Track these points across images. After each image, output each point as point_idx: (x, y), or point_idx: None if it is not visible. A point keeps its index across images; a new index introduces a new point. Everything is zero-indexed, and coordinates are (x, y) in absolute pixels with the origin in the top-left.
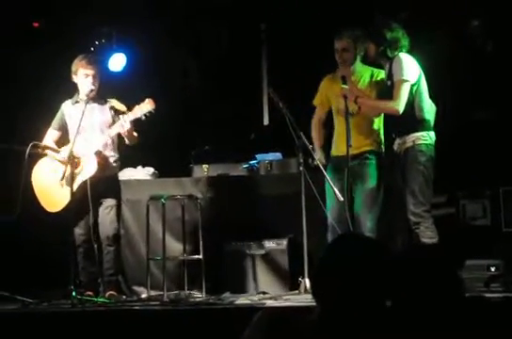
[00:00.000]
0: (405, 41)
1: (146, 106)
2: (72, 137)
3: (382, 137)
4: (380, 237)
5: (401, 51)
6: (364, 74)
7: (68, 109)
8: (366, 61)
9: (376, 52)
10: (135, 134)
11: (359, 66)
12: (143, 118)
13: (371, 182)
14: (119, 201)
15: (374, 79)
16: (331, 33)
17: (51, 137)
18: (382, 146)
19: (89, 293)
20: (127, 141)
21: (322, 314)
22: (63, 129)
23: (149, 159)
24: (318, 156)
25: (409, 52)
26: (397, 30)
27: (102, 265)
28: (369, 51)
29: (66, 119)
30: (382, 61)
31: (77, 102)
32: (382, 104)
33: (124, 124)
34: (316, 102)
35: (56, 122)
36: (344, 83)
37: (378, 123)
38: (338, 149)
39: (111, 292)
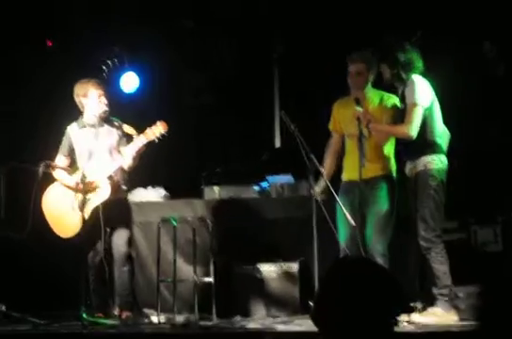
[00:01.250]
0: (418, 63)
1: (158, 129)
2: (80, 161)
3: (393, 161)
4: (392, 262)
5: (415, 73)
6: (374, 99)
7: (75, 134)
8: (376, 85)
9: (390, 74)
10: (135, 162)
11: (369, 90)
12: (156, 141)
13: (383, 206)
14: (130, 222)
15: (384, 103)
16: (344, 55)
17: (60, 162)
18: (394, 170)
19: (100, 315)
20: (125, 165)
21: None
22: (71, 154)
23: (160, 180)
24: (319, 189)
25: (423, 74)
26: (411, 52)
27: (113, 287)
28: (383, 73)
29: (73, 144)
30: (396, 83)
31: (84, 126)
32: (394, 129)
33: (140, 146)
34: (330, 126)
35: (64, 149)
36: (358, 105)
37: (390, 148)
38: (349, 173)
39: (128, 313)
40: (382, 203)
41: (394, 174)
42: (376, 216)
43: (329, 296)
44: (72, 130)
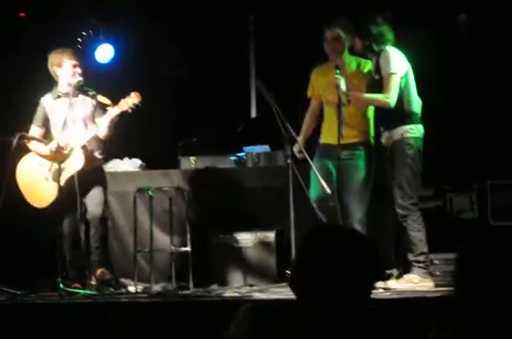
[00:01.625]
0: (389, 36)
1: (132, 100)
2: (55, 131)
3: (372, 128)
4: (369, 229)
5: (386, 45)
6: (351, 64)
7: (49, 104)
8: (353, 52)
9: (361, 46)
10: (110, 131)
11: (346, 56)
12: (129, 111)
13: (360, 172)
14: (105, 190)
15: (360, 69)
16: (319, 23)
17: (35, 133)
18: (372, 137)
19: (77, 285)
20: (101, 135)
21: (304, 307)
22: (46, 125)
23: (136, 151)
24: (296, 149)
25: (395, 45)
26: (382, 24)
27: (89, 256)
28: (355, 45)
29: (48, 114)
30: (369, 55)
31: (59, 96)
32: (374, 98)
33: (113, 117)
34: (309, 93)
35: (38, 119)
36: (338, 73)
37: (368, 114)
38: (326, 138)
39: (102, 269)
40: (360, 170)
41: (373, 140)
42: (353, 182)
43: (307, 262)
44: (47, 100)
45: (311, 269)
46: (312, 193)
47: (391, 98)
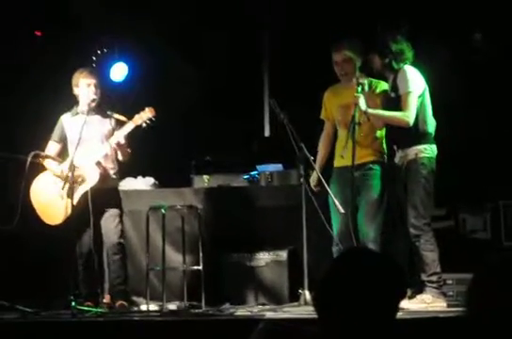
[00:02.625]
0: (409, 54)
1: (146, 114)
2: (71, 149)
3: (385, 146)
4: (382, 248)
5: (405, 63)
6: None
7: (67, 122)
8: (365, 72)
9: (380, 64)
10: (128, 150)
11: (358, 76)
12: (144, 125)
13: (374, 192)
14: (120, 211)
15: (372, 89)
16: (331, 45)
17: (52, 149)
18: (385, 156)
19: (89, 303)
20: (119, 156)
21: (326, 327)
22: (64, 141)
23: (149, 169)
24: (313, 182)
25: (414, 64)
26: (402, 42)
27: (103, 275)
28: (374, 63)
29: (66, 131)
30: (386, 73)
31: (77, 114)
32: (393, 116)
33: (125, 133)
34: (322, 115)
35: (56, 135)
36: (359, 91)
37: (381, 133)
38: (340, 160)
39: (121, 302)
40: (373, 190)
41: (386, 159)
42: (367, 203)
43: (336, 283)
44: (65, 118)
45: (339, 289)
46: (332, 216)
47: (410, 116)
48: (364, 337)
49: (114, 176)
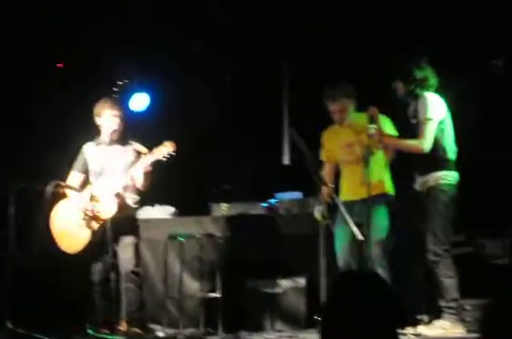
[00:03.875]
0: (433, 80)
1: (166, 148)
2: (92, 178)
3: (389, 177)
4: (400, 276)
5: (428, 90)
6: (360, 121)
7: (90, 152)
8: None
9: (404, 91)
10: (148, 180)
11: (354, 116)
12: (164, 160)
13: (382, 221)
14: (137, 239)
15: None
16: (352, 71)
17: (74, 179)
18: (391, 188)
19: (105, 331)
20: (138, 185)
21: None
22: (86, 171)
23: (169, 198)
24: (318, 215)
25: (437, 91)
26: (426, 69)
27: (119, 302)
28: (397, 89)
29: (88, 161)
30: (409, 99)
31: (99, 144)
32: (409, 144)
33: (147, 166)
34: (323, 158)
35: (78, 165)
36: (372, 123)
37: (384, 165)
38: (347, 195)
39: (135, 329)
40: (381, 219)
41: (392, 192)
42: (376, 230)
43: (333, 308)
44: (88, 147)
45: (335, 314)
46: (338, 244)
47: (425, 144)
48: None
49: (133, 205)
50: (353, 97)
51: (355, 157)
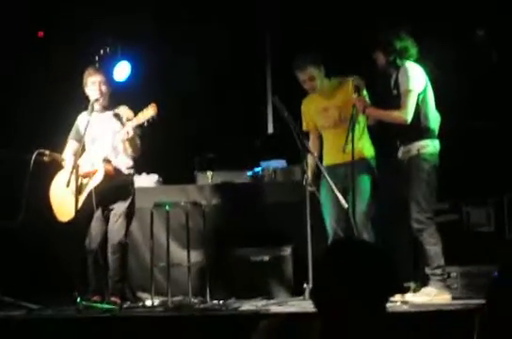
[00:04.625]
0: (413, 50)
1: (149, 112)
2: (88, 147)
3: (369, 141)
4: (385, 243)
5: (409, 60)
6: (332, 86)
7: (81, 120)
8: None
9: (385, 61)
10: (137, 142)
11: (326, 82)
12: (145, 124)
13: (365, 186)
14: (129, 208)
15: (346, 87)
16: (337, 39)
17: (71, 147)
18: (372, 151)
19: (96, 298)
20: (128, 150)
21: (324, 320)
22: (81, 140)
23: (153, 166)
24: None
25: (417, 61)
26: (406, 39)
27: (107, 271)
28: (379, 60)
29: (80, 129)
30: (390, 70)
31: (90, 112)
32: (390, 114)
33: (129, 131)
34: (304, 127)
35: (73, 134)
36: (356, 93)
37: (365, 130)
38: (330, 158)
39: (114, 298)
40: (364, 184)
41: (373, 153)
42: (360, 195)
43: (325, 275)
44: (81, 117)
45: (329, 282)
46: (325, 210)
47: (406, 115)
48: (360, 329)
49: (127, 171)
50: (320, 64)
51: (332, 121)
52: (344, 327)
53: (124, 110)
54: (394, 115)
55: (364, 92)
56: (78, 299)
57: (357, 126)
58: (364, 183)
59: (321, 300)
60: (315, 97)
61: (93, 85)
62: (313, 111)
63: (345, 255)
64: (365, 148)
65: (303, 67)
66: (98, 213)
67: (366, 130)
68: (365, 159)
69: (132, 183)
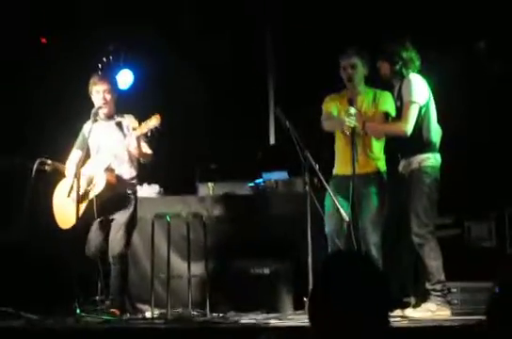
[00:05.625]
0: (417, 62)
1: (152, 122)
2: (93, 156)
3: (383, 158)
4: (386, 258)
5: (413, 71)
6: (368, 96)
7: (87, 129)
8: (369, 83)
9: (390, 71)
10: (148, 151)
11: (362, 88)
12: (149, 134)
13: (374, 200)
14: (131, 218)
15: (377, 101)
16: (340, 51)
17: (75, 156)
18: (384, 167)
19: (114, 311)
20: (140, 159)
21: (316, 335)
22: (86, 149)
23: (154, 177)
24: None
25: (420, 72)
26: (411, 50)
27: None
28: (383, 70)
29: (86, 138)
30: (394, 81)
31: (96, 121)
32: (390, 128)
33: (131, 141)
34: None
35: (78, 143)
36: (352, 106)
37: (381, 145)
38: (341, 168)
39: (113, 310)
40: (374, 198)
41: (384, 168)
42: (368, 208)
43: (321, 289)
44: (87, 125)
45: (324, 298)
46: (327, 220)
47: (407, 127)
48: None
49: (131, 181)
50: (364, 60)
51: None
52: None
53: (130, 119)
54: (394, 127)
55: (388, 106)
56: (78, 310)
57: (360, 138)
58: (376, 196)
59: (315, 315)
60: (343, 98)
61: (98, 93)
62: (336, 112)
63: (339, 268)
64: (382, 161)
65: (350, 53)
66: (96, 223)
67: (380, 142)
68: (380, 173)
69: (135, 192)
